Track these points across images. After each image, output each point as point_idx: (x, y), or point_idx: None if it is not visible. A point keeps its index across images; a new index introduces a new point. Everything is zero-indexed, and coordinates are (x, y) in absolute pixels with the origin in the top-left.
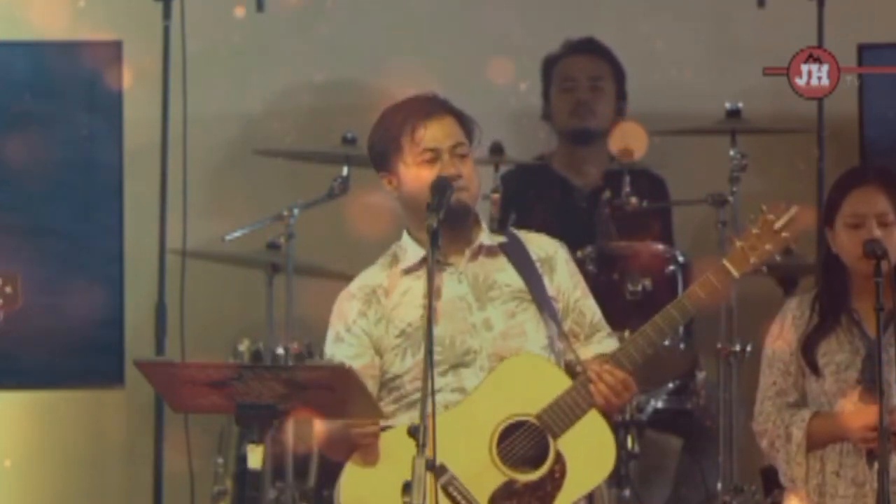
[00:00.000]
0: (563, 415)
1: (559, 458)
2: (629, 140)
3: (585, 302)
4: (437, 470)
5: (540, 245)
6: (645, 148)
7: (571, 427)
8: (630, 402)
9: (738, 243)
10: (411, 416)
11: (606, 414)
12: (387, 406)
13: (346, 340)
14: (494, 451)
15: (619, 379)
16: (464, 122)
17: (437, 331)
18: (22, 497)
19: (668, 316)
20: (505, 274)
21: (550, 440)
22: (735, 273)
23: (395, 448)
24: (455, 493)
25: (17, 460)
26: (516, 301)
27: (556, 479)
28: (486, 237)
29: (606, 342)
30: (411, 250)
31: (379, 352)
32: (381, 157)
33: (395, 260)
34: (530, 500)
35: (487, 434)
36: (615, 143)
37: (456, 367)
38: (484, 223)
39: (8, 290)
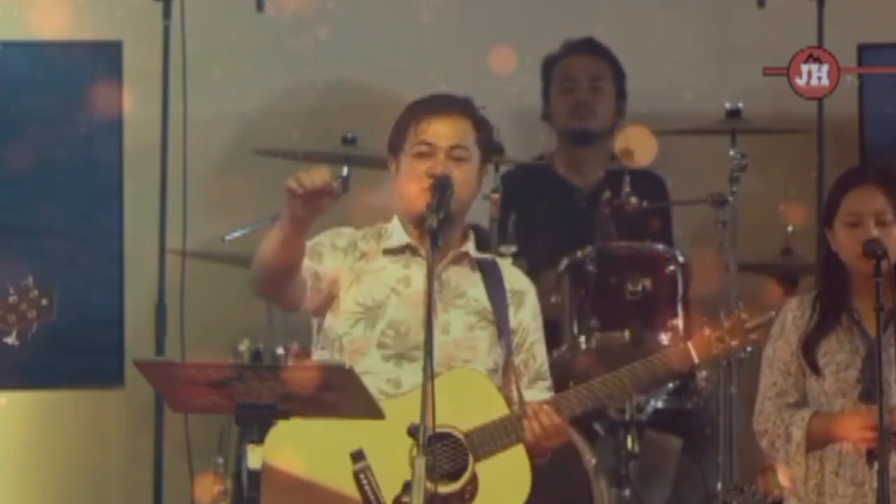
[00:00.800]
0: (490, 440)
1: (474, 479)
2: (636, 144)
3: (539, 348)
4: (355, 455)
5: (515, 277)
6: (651, 156)
7: (495, 454)
8: (557, 448)
9: (707, 331)
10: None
11: (531, 453)
12: (315, 352)
13: (321, 242)
14: (415, 453)
15: (554, 422)
16: (480, 128)
17: (397, 315)
18: (22, 497)
19: (619, 381)
20: (476, 289)
21: (471, 460)
22: (695, 358)
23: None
24: (364, 482)
25: (17, 460)
26: (478, 317)
27: (465, 499)
28: (471, 248)
29: (545, 394)
30: (397, 234)
31: (337, 272)
32: (392, 140)
33: (379, 237)
34: None
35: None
36: (620, 144)
37: (400, 357)
38: (472, 235)
39: (44, 301)
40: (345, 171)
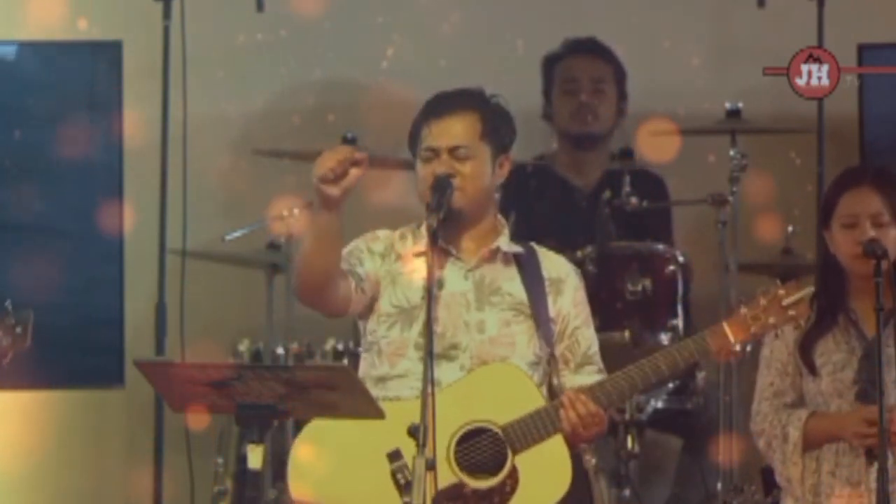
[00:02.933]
0: (528, 432)
1: (514, 472)
2: (657, 140)
3: (584, 332)
4: (392, 455)
5: (554, 265)
6: (672, 152)
7: (533, 446)
8: (599, 437)
9: (743, 310)
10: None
11: (570, 443)
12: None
13: (359, 247)
14: (452, 450)
15: (591, 411)
16: (488, 121)
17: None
18: (22, 497)
19: (656, 365)
20: (512, 284)
21: (509, 453)
22: (732, 338)
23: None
24: (402, 482)
25: (17, 460)
26: (514, 312)
27: (505, 492)
28: (504, 243)
29: (594, 377)
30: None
31: (376, 275)
32: (409, 146)
33: (415, 237)
34: None
35: (449, 432)
36: (640, 140)
37: (438, 358)
38: (506, 229)
39: (18, 330)
40: None
